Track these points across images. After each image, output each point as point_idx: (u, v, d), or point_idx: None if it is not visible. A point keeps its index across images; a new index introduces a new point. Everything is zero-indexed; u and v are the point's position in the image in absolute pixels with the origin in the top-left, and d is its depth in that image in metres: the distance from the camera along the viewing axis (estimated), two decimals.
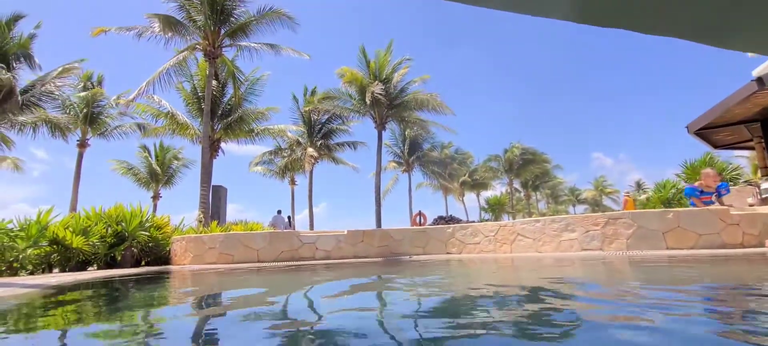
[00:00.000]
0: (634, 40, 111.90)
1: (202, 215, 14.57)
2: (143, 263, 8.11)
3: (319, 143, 25.62)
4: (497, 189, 44.64)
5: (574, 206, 53.69)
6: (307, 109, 24.61)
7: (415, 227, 11.18)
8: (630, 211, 6.01)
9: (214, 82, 18.51)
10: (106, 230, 7.47)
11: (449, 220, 12.83)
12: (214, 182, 19.30)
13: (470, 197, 43.20)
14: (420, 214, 20.73)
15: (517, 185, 42.39)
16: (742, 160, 32.13)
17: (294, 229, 17.55)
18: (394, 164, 31.07)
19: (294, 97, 26.32)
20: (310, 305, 2.67)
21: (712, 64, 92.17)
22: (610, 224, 5.56)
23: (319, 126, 25.73)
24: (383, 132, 21.13)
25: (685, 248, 5.12)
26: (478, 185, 40.03)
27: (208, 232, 9.52)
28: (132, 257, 7.55)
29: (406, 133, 29.38)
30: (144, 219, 7.83)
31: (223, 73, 19.31)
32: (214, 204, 18.43)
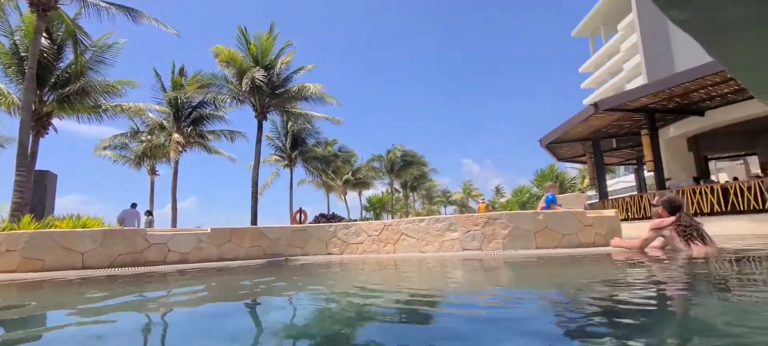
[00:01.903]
0: (500, 66, 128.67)
1: (13, 207, 11.26)
2: None
3: (188, 129, 22.57)
4: (378, 188, 45.98)
5: (445, 206, 58.53)
6: (173, 94, 21.36)
7: (294, 225, 10.35)
8: (507, 212, 6.28)
9: (45, 41, 14.70)
10: None
11: (331, 218, 12.30)
12: (44, 166, 15.38)
13: (352, 195, 43.55)
14: (300, 211, 19.76)
15: (396, 185, 44.21)
16: (574, 172, 39.17)
17: (153, 227, 14.96)
18: (276, 157, 29.30)
19: (157, 73, 22.67)
20: None
21: (557, 89, 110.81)
22: (489, 224, 5.69)
23: (189, 110, 22.65)
24: (264, 122, 19.55)
25: (551, 247, 5.49)
26: (360, 184, 40.51)
27: (17, 228, 7.19)
28: None
29: (289, 126, 27.97)
30: None
31: (61, 32, 15.48)
32: (37, 193, 14.54)
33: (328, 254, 6.75)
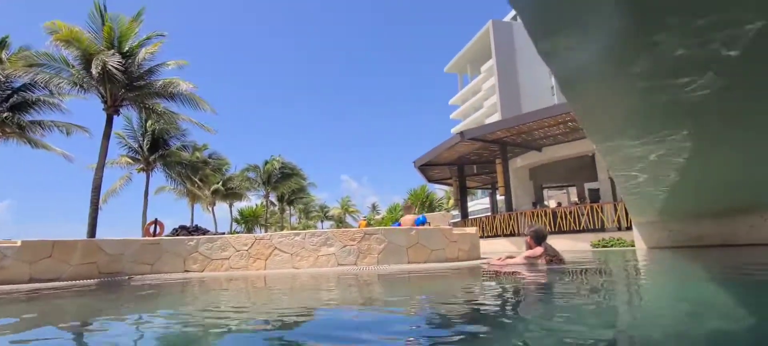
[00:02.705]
0: (378, 91, 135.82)
1: None
2: None
3: (3, 116, 17.87)
4: (253, 200, 43.28)
5: (322, 221, 58.08)
6: None
7: (144, 238, 8.89)
8: (383, 227, 6.39)
9: None
10: None
11: (194, 230, 10.92)
12: None
13: (222, 206, 40.11)
14: (156, 222, 17.19)
15: (273, 197, 42.29)
16: (441, 193, 43.02)
17: None
18: (127, 160, 25.16)
19: None
20: None
21: (431, 117, 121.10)
22: (365, 239, 5.71)
23: (9, 92, 18.01)
24: (116, 117, 16.66)
25: (421, 262, 5.76)
26: (232, 195, 37.56)
27: None
28: None
29: (149, 125, 24.46)
30: None
31: None
32: None
33: (186, 271, 5.91)
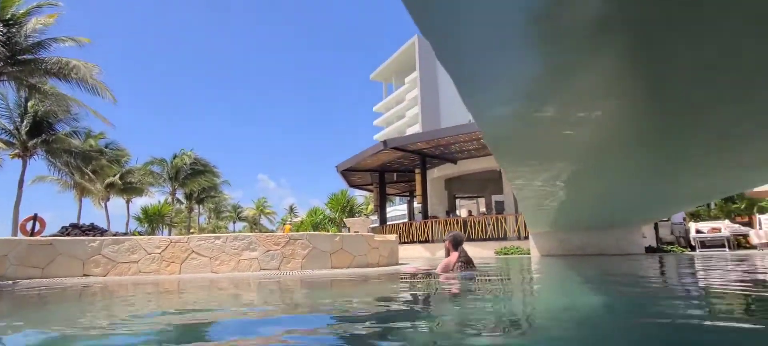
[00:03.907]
0: (304, 91, 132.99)
1: None
2: None
3: None
4: (155, 197, 39.44)
5: (234, 222, 54.96)
6: None
7: (29, 238, 7.78)
8: (308, 232, 6.46)
9: None
10: None
11: (89, 230, 9.75)
12: None
13: (117, 202, 35.89)
14: (35, 218, 14.91)
15: (179, 195, 39.02)
16: (361, 198, 43.62)
17: None
18: (0, 144, 21.35)
19: None
20: None
21: (354, 122, 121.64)
22: (290, 244, 5.74)
23: None
24: None
25: (344, 267, 5.96)
26: (130, 189, 33.80)
27: None
28: None
29: (31, 104, 21.09)
30: None
31: None
32: None
33: (86, 275, 5.36)
